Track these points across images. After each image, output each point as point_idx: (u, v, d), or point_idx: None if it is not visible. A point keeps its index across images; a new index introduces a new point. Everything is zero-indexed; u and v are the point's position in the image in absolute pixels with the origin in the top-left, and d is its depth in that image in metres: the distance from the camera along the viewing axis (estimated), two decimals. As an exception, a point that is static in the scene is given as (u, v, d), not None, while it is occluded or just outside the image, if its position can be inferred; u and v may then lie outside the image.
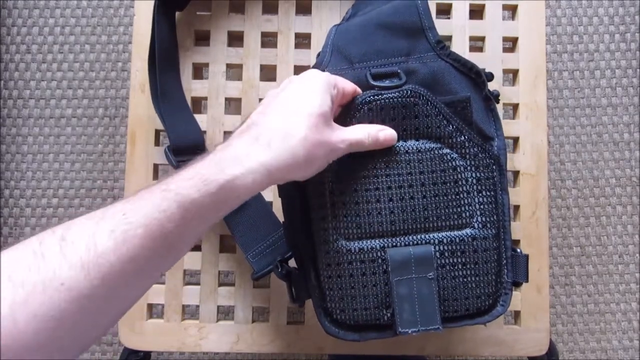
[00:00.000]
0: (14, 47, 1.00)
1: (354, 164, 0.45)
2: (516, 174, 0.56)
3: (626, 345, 0.98)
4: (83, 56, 1.00)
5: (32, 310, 0.29)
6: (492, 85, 0.54)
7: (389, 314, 0.45)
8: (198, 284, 0.56)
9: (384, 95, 0.45)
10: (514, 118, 0.57)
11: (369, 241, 0.45)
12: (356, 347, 0.53)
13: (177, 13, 0.56)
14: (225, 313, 0.58)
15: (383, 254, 0.45)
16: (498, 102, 0.49)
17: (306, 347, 0.55)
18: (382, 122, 0.45)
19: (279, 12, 0.57)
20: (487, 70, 0.49)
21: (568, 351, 0.98)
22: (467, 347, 0.55)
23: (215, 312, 0.55)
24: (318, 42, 0.56)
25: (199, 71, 0.59)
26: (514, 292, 0.54)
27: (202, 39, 0.57)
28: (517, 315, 0.56)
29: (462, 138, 0.46)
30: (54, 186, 0.99)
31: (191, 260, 0.56)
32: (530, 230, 0.55)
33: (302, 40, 0.58)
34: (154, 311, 0.57)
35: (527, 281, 0.48)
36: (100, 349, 0.97)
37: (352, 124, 0.44)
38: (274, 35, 0.57)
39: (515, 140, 0.57)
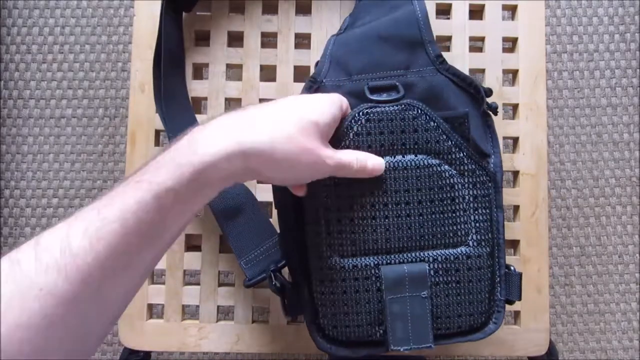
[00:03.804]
0: (14, 47, 1.00)
1: (351, 180, 0.44)
2: (516, 174, 0.56)
3: (626, 345, 0.98)
4: (83, 56, 1.00)
5: (12, 320, 0.28)
6: (492, 85, 0.54)
7: (381, 331, 0.45)
8: (198, 284, 0.56)
9: (383, 108, 0.45)
10: (513, 118, 0.57)
11: (363, 258, 0.45)
12: (356, 347, 0.53)
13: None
14: (225, 313, 0.58)
15: (377, 271, 0.44)
16: (496, 115, 0.49)
17: (306, 347, 0.55)
18: (381, 135, 0.44)
19: (279, 12, 0.57)
20: (486, 72, 0.49)
21: (568, 351, 0.98)
22: (467, 347, 0.55)
23: (215, 312, 0.55)
24: (318, 42, 0.56)
25: (199, 71, 0.59)
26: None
27: (202, 39, 0.57)
28: (517, 315, 0.56)
29: (461, 154, 0.45)
30: (54, 186, 0.99)
31: (191, 260, 0.56)
32: (530, 231, 0.55)
33: (302, 41, 0.58)
34: (154, 311, 0.57)
35: (520, 299, 0.48)
36: (100, 348, 0.97)
37: (349, 137, 0.44)
38: (274, 35, 0.57)
39: (515, 140, 0.57)
